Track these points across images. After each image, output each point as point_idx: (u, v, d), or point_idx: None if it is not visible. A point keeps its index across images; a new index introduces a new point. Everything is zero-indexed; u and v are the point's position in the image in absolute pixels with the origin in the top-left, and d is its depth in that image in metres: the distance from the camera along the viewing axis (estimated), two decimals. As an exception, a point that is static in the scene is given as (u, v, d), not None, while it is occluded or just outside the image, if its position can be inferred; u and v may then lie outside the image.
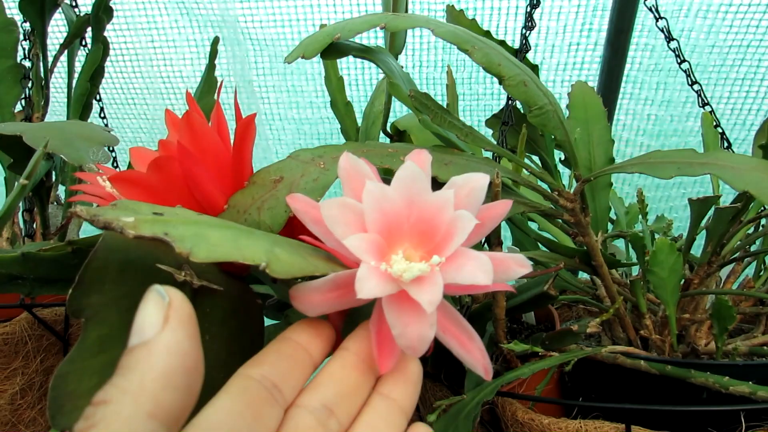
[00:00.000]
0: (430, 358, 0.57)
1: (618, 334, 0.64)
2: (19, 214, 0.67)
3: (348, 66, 1.07)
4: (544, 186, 0.49)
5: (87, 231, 0.98)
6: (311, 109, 1.14)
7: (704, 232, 0.59)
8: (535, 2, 0.66)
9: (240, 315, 0.36)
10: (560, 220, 0.52)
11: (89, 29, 0.82)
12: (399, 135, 0.65)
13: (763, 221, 0.62)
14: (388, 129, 0.63)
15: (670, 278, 0.53)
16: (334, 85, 0.81)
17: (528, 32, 0.66)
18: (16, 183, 0.39)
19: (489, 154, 0.58)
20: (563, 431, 0.49)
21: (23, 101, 0.72)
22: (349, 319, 0.46)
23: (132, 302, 0.31)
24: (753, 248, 0.62)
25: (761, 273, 0.65)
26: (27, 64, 0.74)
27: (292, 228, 0.38)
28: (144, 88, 1.17)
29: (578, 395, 0.60)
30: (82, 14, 0.85)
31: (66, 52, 0.86)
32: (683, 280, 0.58)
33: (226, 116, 0.42)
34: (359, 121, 0.75)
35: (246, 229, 0.31)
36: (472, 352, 0.31)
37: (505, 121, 0.62)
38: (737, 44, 0.96)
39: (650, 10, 0.75)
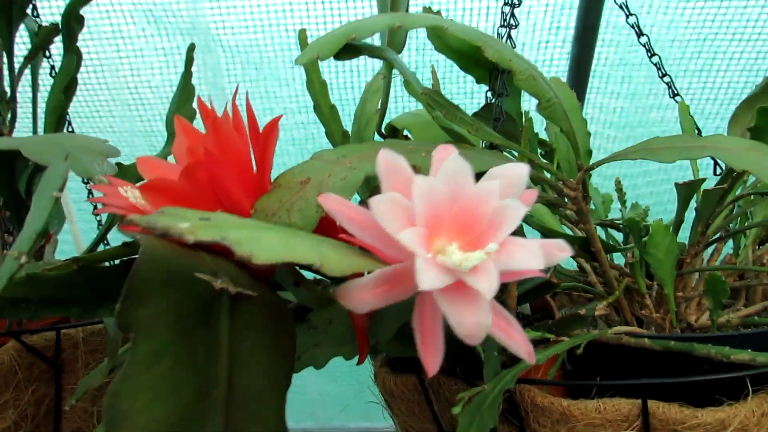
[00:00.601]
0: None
1: (613, 317, 0.67)
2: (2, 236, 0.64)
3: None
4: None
5: (65, 252, 0.95)
6: (286, 115, 1.13)
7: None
8: (517, 2, 0.67)
9: (275, 319, 0.36)
10: (564, 210, 0.53)
11: (55, 39, 0.79)
12: (393, 135, 0.65)
13: (739, 202, 0.66)
14: (382, 129, 0.63)
15: (667, 258, 0.55)
16: (318, 89, 0.80)
17: (508, 30, 0.68)
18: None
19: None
20: (583, 411, 0.50)
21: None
22: (373, 317, 0.46)
23: (177, 313, 0.30)
24: (732, 227, 0.65)
25: (740, 251, 0.68)
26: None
27: (319, 227, 0.38)
28: (110, 99, 1.14)
29: (582, 378, 0.61)
30: (46, 24, 0.82)
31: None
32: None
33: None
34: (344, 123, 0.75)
35: (289, 229, 0.31)
36: (514, 337, 0.32)
37: (497, 117, 0.64)
38: (695, 38, 1.01)
39: (621, 7, 0.78)
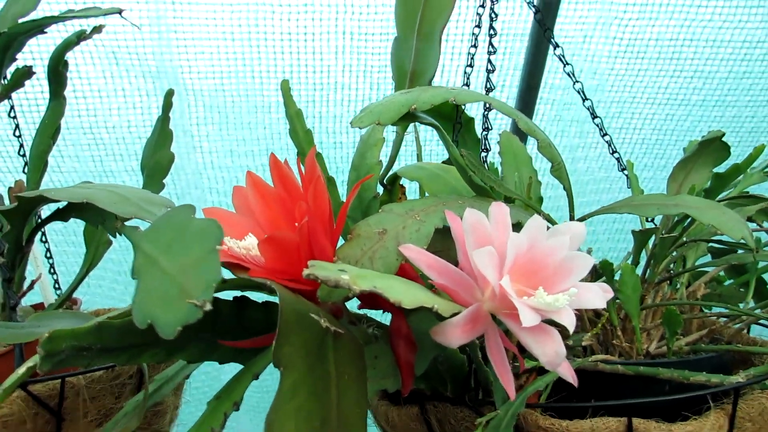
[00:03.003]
0: (450, 384, 0.63)
1: (593, 347, 0.76)
2: (1, 282, 0.62)
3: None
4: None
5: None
6: (249, 156, 1.16)
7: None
8: (492, 32, 0.75)
9: (358, 354, 0.40)
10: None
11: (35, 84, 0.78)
12: (392, 184, 0.71)
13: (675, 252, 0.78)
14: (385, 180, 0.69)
15: (633, 295, 0.65)
16: (302, 137, 0.85)
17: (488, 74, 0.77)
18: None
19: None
20: (579, 430, 0.58)
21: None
22: (418, 351, 0.51)
23: (306, 349, 0.34)
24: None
25: (678, 287, 0.80)
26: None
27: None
28: (60, 140, 1.10)
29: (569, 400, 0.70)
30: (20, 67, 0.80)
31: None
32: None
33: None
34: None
35: (394, 276, 0.36)
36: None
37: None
38: (616, 100, 1.19)
39: (567, 74, 0.91)
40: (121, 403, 0.68)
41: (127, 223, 0.47)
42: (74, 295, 0.83)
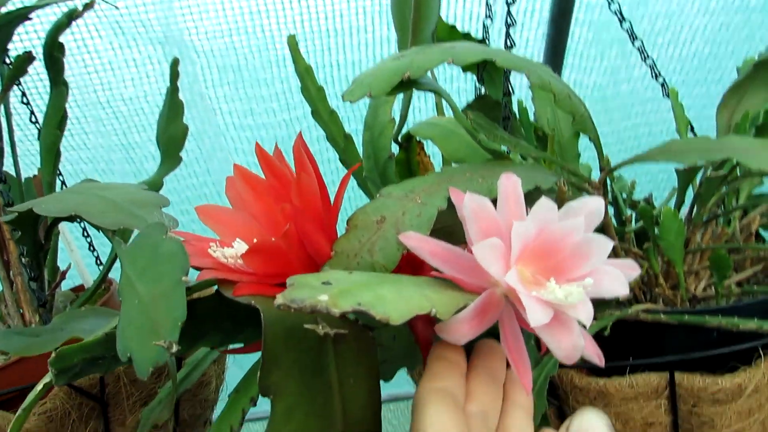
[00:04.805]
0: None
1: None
2: (26, 282, 0.63)
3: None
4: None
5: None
6: (268, 114, 1.12)
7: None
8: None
9: (365, 350, 0.38)
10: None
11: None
12: (408, 143, 0.67)
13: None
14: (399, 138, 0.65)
15: (677, 240, 0.60)
16: (314, 95, 0.81)
17: (508, 28, 0.71)
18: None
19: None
20: (617, 388, 0.55)
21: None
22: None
23: (300, 367, 0.32)
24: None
25: (730, 221, 0.74)
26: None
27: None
28: (81, 117, 1.10)
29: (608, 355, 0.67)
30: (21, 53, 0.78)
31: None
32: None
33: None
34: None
35: (386, 276, 0.33)
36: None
37: (506, 116, 0.67)
38: (663, 12, 1.06)
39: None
40: (162, 381, 0.70)
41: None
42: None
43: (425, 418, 0.30)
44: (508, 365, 0.39)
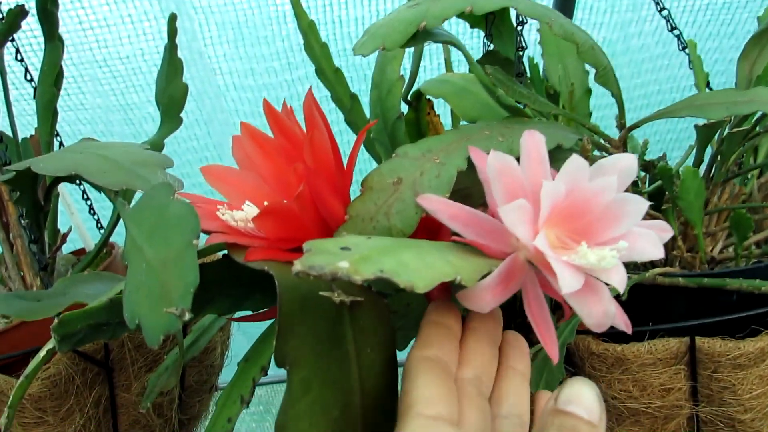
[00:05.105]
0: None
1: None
2: (26, 244, 0.61)
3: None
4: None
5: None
6: (269, 74, 1.09)
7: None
8: None
9: (380, 318, 0.36)
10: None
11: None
12: (417, 101, 0.64)
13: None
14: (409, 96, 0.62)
15: (697, 200, 0.58)
16: (318, 52, 0.77)
17: None
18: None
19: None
20: (636, 354, 0.54)
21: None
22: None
23: (315, 337, 0.31)
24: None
25: (748, 179, 0.72)
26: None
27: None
28: (78, 76, 1.06)
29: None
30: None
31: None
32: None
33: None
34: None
35: (405, 241, 0.32)
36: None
37: (520, 73, 0.64)
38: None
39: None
40: (168, 347, 0.70)
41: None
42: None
43: (413, 389, 0.29)
44: (504, 327, 0.38)
